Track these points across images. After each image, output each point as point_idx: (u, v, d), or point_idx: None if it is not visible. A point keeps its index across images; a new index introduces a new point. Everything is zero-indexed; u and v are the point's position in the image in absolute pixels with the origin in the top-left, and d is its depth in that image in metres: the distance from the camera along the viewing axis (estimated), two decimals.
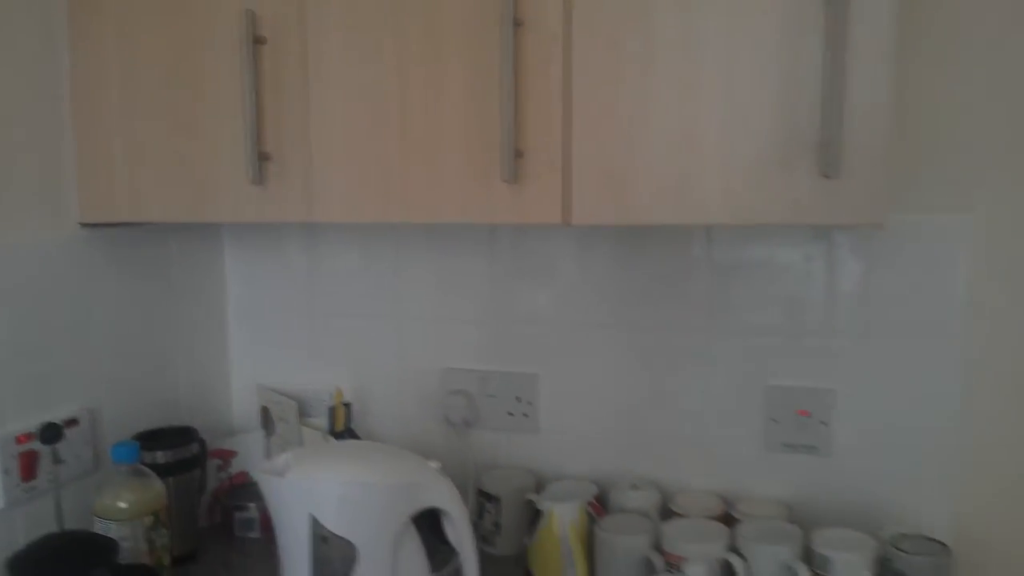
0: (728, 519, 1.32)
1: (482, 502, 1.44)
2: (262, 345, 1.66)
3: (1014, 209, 1.24)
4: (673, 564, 1.19)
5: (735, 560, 1.19)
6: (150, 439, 1.38)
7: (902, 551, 1.16)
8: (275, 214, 1.20)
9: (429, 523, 1.11)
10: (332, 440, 1.46)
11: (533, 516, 1.34)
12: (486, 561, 1.38)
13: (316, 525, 1.02)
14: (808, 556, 1.20)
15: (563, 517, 1.27)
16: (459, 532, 1.10)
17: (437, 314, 1.54)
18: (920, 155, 1.27)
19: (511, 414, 1.51)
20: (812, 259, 1.33)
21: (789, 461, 1.38)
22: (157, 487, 1.25)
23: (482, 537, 1.44)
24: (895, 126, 1.24)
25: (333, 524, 1.02)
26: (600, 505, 1.41)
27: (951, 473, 1.30)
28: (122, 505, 1.21)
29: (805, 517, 1.36)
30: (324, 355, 1.61)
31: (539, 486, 1.46)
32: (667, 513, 1.36)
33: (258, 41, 1.16)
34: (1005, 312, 1.26)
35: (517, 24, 1.04)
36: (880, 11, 0.94)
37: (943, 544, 1.18)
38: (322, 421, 1.51)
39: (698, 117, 1.01)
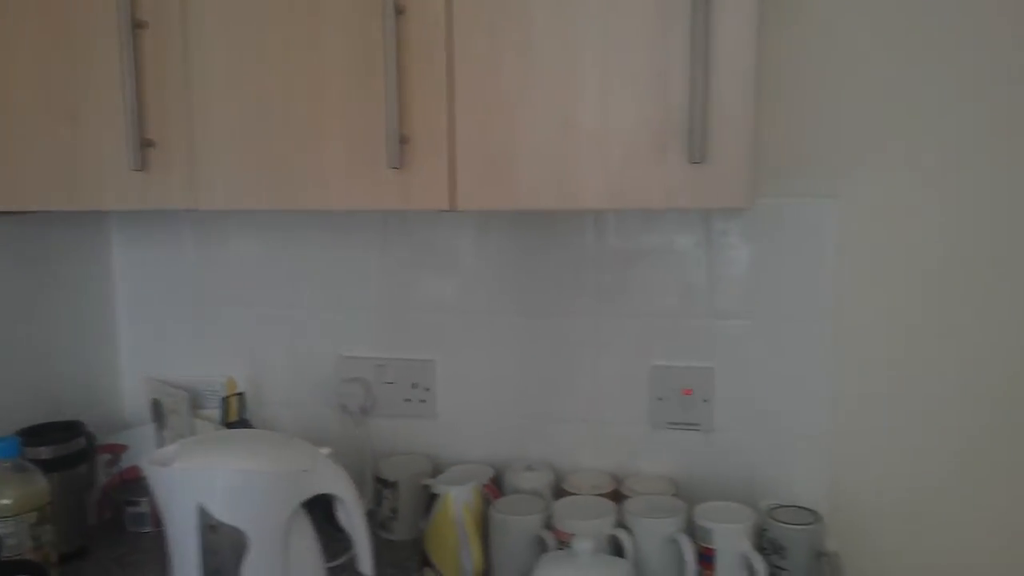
0: (618, 496, 1.37)
1: (379, 488, 1.45)
2: (153, 336, 1.63)
3: (874, 195, 1.32)
4: (564, 541, 1.23)
5: (622, 535, 1.23)
6: (33, 434, 1.34)
7: (778, 521, 1.22)
8: (158, 201, 1.18)
9: (327, 511, 1.11)
10: (224, 430, 1.44)
11: (429, 501, 1.35)
12: (384, 547, 1.41)
13: (204, 515, 1.01)
14: (691, 528, 1.25)
15: (458, 500, 1.29)
16: (352, 518, 1.11)
17: (332, 302, 1.54)
18: (791, 144, 1.33)
19: (408, 401, 1.52)
20: (695, 245, 1.39)
21: (675, 438, 1.43)
22: (40, 483, 1.22)
23: (380, 523, 1.45)
24: (768, 116, 1.32)
25: (221, 513, 1.01)
26: (496, 487, 1.43)
27: (824, 447, 1.38)
28: (4, 502, 1.18)
29: (690, 491, 1.41)
30: (217, 345, 1.59)
31: (437, 471, 1.48)
32: (560, 492, 1.39)
33: (138, 25, 1.13)
34: (867, 293, 1.34)
35: (399, 11, 1.05)
36: (743, 2, 0.98)
37: (816, 513, 1.24)
38: (216, 412, 1.49)
39: (576, 104, 1.04)
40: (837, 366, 1.36)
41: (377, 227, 1.50)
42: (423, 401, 1.52)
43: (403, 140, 1.08)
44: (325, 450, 1.09)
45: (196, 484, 1.02)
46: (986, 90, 1.26)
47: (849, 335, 1.35)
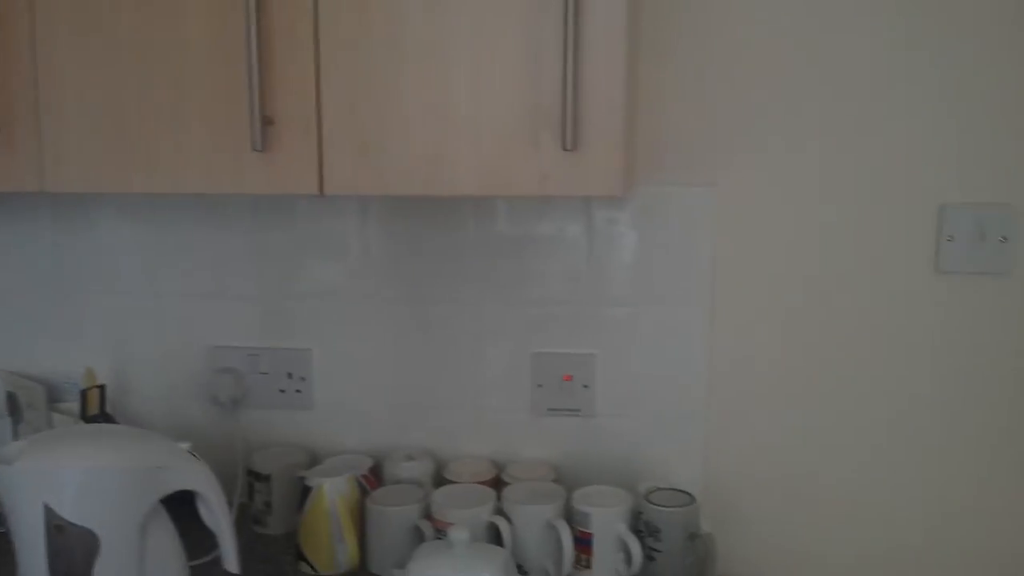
0: (499, 483, 1.36)
1: (252, 482, 1.40)
2: (8, 326, 1.52)
3: (752, 182, 1.34)
4: (442, 531, 1.21)
5: (500, 522, 1.22)
6: None
7: (653, 504, 1.23)
8: (5, 183, 1.10)
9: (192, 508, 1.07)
10: (82, 424, 1.36)
11: (303, 493, 1.31)
12: (258, 541, 1.37)
13: (50, 514, 0.95)
14: (570, 513, 1.25)
15: (332, 492, 1.26)
16: (215, 514, 1.06)
17: (202, 290, 1.47)
18: (670, 132, 1.34)
19: (283, 391, 1.47)
20: (577, 233, 1.38)
21: (555, 424, 1.43)
22: None
23: (253, 518, 1.40)
24: (648, 103, 1.32)
25: (70, 513, 0.95)
26: (375, 478, 1.40)
27: (700, 430, 1.40)
28: None
29: (572, 476, 1.41)
30: (79, 335, 1.50)
31: (314, 463, 1.43)
32: (442, 481, 1.37)
33: None
34: (745, 279, 1.37)
35: None
36: None
37: (690, 495, 1.26)
38: (75, 406, 1.41)
39: (448, 88, 1.02)
40: (714, 351, 1.39)
41: (249, 212, 1.44)
42: (299, 391, 1.47)
43: (267, 122, 1.03)
44: (184, 445, 1.04)
45: (41, 483, 0.95)
46: (864, 80, 1.30)
47: (727, 320, 1.38)
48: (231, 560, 1.08)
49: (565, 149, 0.99)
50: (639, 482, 1.34)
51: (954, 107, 1.28)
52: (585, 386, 1.41)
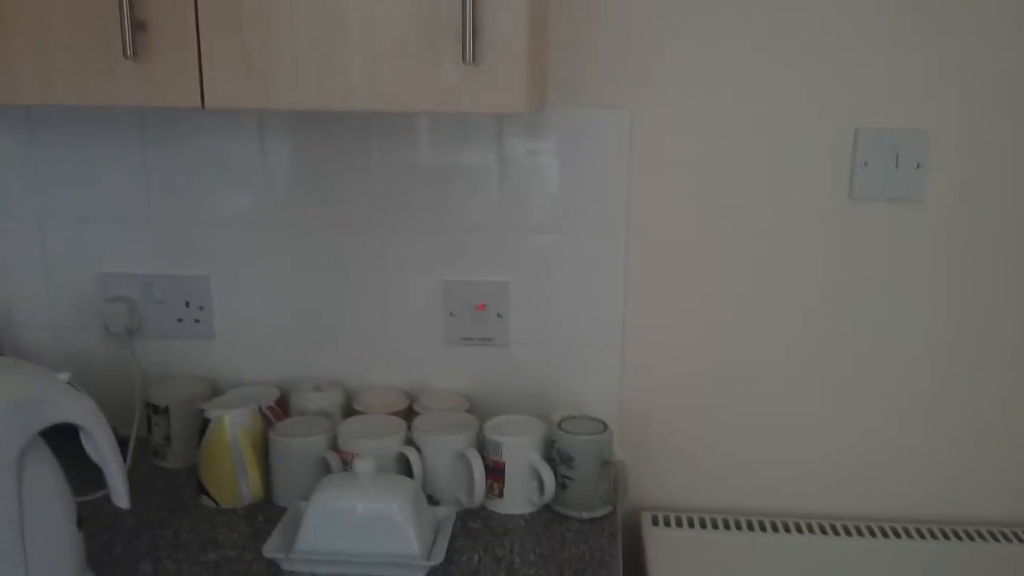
0: (411, 414, 1.32)
1: (150, 415, 1.33)
2: None
3: (666, 107, 1.30)
4: (349, 462, 1.17)
5: (410, 452, 1.19)
6: None
7: (566, 432, 1.21)
8: None
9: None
10: None
11: (203, 426, 1.25)
12: (158, 475, 1.31)
13: None
14: (482, 443, 1.22)
15: (233, 424, 1.20)
16: (100, 448, 0.99)
17: (89, 212, 1.37)
18: (583, 53, 1.28)
19: (181, 320, 1.40)
20: (488, 157, 1.32)
21: (469, 354, 1.39)
22: None
23: (153, 451, 1.34)
24: (561, 23, 1.26)
25: None
26: (281, 409, 1.35)
27: (615, 358, 1.38)
28: None
29: (486, 407, 1.38)
30: None
31: (216, 395, 1.37)
32: (351, 412, 1.33)
33: None
34: (659, 205, 1.33)
35: None
36: None
37: (603, 423, 1.24)
38: None
39: None
40: (630, 279, 1.36)
41: (138, 128, 1.34)
42: (197, 321, 1.40)
43: (139, 26, 0.94)
44: (64, 375, 0.96)
45: None
46: (781, 4, 1.25)
47: (642, 248, 1.35)
48: (120, 495, 1.01)
49: (465, 62, 0.93)
50: (555, 411, 1.31)
51: (871, 30, 1.25)
52: (499, 315, 1.37)
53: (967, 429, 1.38)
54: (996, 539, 1.33)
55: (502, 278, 1.37)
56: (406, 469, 1.19)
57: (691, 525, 1.36)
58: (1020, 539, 1.33)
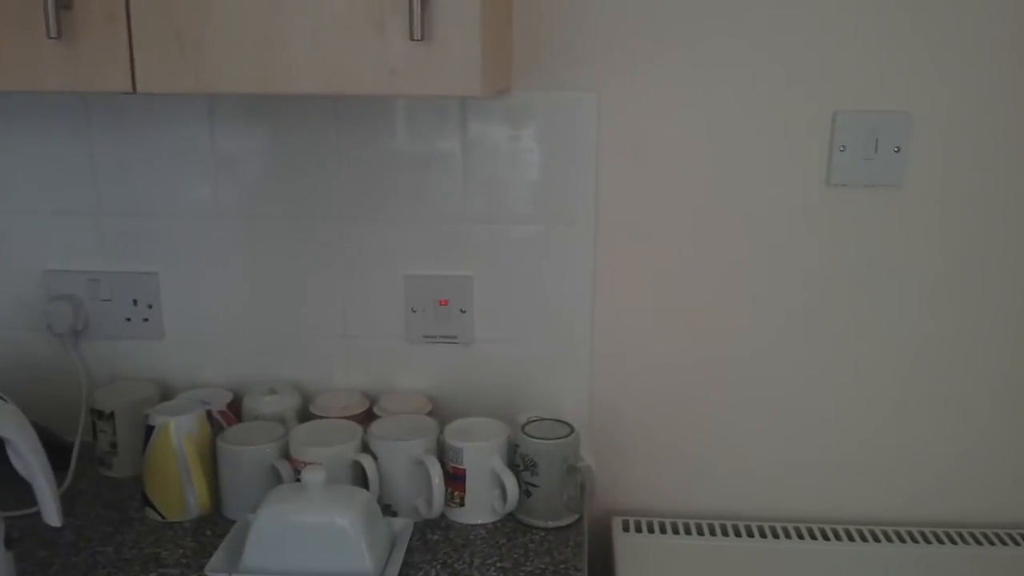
0: (371, 417, 1.26)
1: (95, 421, 1.26)
2: None
3: (633, 90, 1.23)
4: (301, 471, 1.10)
5: (365, 460, 1.13)
6: None
7: (529, 436, 1.15)
8: None
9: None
10: None
11: (148, 433, 1.19)
12: (104, 485, 1.25)
13: None
14: (442, 448, 1.16)
15: (178, 431, 1.13)
16: (27, 462, 0.93)
17: (31, 205, 1.30)
18: (548, 33, 1.22)
19: (129, 319, 1.33)
20: (450, 145, 1.26)
21: (432, 352, 1.33)
22: None
23: (99, 459, 1.27)
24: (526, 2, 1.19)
25: None
26: (233, 414, 1.29)
27: (584, 356, 1.32)
28: None
29: (450, 408, 1.32)
30: None
31: (167, 398, 1.31)
32: (308, 416, 1.26)
33: None
34: (629, 194, 1.27)
35: None
36: None
37: (570, 426, 1.18)
38: None
39: None
40: (600, 272, 1.30)
41: (81, 115, 1.26)
42: (146, 320, 1.33)
43: (64, 5, 0.87)
44: None
45: None
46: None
47: (613, 239, 1.29)
48: (50, 513, 0.95)
49: (414, 39, 0.86)
50: (523, 412, 1.25)
51: (850, 7, 1.19)
52: (462, 311, 1.31)
53: (954, 425, 1.32)
54: (979, 542, 1.28)
55: (465, 272, 1.30)
56: (362, 478, 1.13)
57: (663, 531, 1.30)
58: (1003, 541, 1.29)
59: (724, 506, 1.37)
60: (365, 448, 1.15)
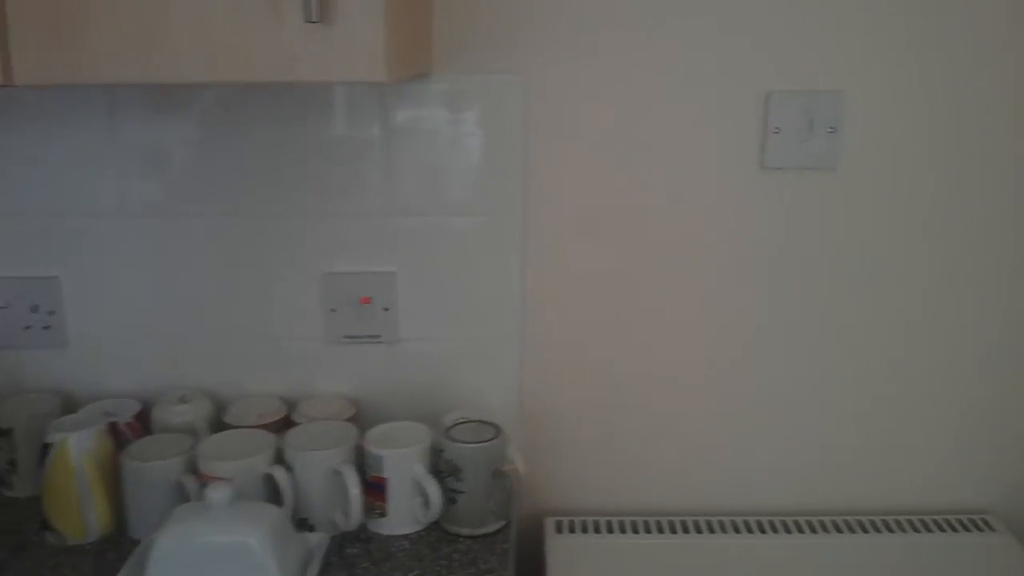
0: (289, 424, 1.19)
1: None
2: None
3: (560, 73, 1.18)
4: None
5: (278, 473, 1.06)
6: None
7: (453, 440, 1.09)
8: None
9: None
10: None
11: (46, 451, 1.11)
12: (3, 506, 1.16)
13: None
14: (361, 457, 1.10)
15: (77, 447, 1.06)
16: None
17: None
18: (472, 16, 1.16)
19: (28, 327, 1.25)
20: (370, 132, 1.19)
21: (354, 353, 1.27)
22: None
23: None
24: None
25: None
26: (141, 425, 1.21)
27: (515, 354, 1.27)
28: None
29: (374, 411, 1.26)
30: None
31: (70, 411, 1.22)
32: (222, 426, 1.19)
33: None
34: (558, 183, 1.22)
35: None
36: None
37: (497, 427, 1.13)
38: None
39: None
40: (530, 265, 1.24)
41: None
42: (47, 328, 1.25)
43: None
44: None
45: None
46: None
47: (542, 230, 1.23)
48: None
49: (311, 20, 0.80)
50: (449, 413, 1.20)
51: None
52: (386, 309, 1.25)
53: (889, 409, 1.30)
54: (904, 530, 1.27)
55: (388, 268, 1.24)
56: (276, 492, 1.06)
57: (597, 530, 1.26)
58: (889, 528, 1.27)
59: (660, 502, 1.33)
60: (280, 459, 1.09)
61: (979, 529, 1.28)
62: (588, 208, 1.23)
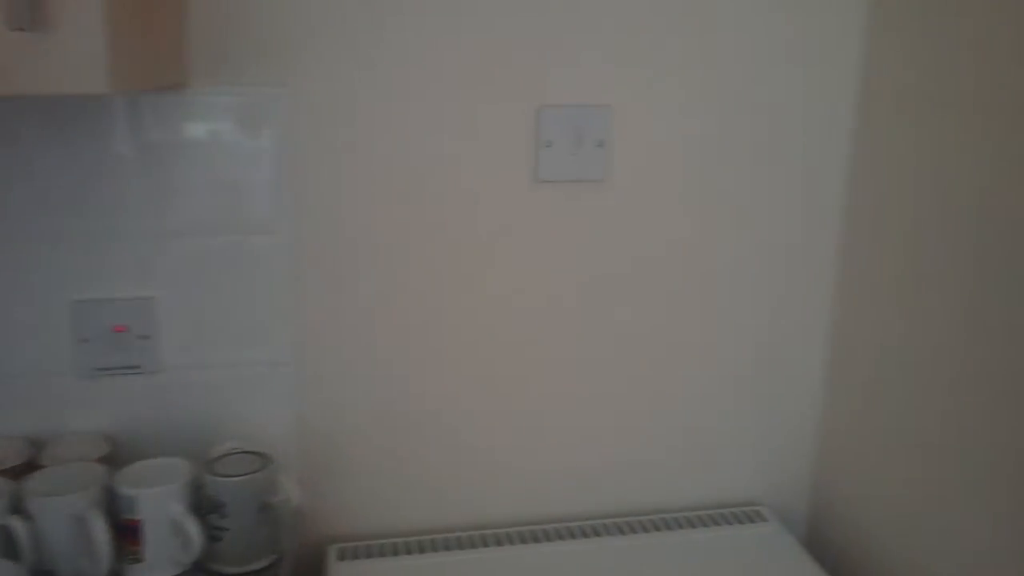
0: (34, 468, 1.08)
1: None
2: None
3: (330, 85, 1.14)
4: None
5: (14, 523, 0.96)
6: None
7: (214, 474, 1.03)
8: None
9: None
10: None
11: None
12: None
13: None
14: (114, 499, 1.01)
15: None
16: None
17: None
18: (232, 24, 1.10)
19: None
20: (122, 147, 1.10)
21: (109, 386, 1.17)
22: None
23: None
24: None
25: None
26: None
27: (288, 380, 1.21)
28: None
29: (135, 448, 1.17)
30: None
31: None
32: None
33: None
34: (331, 201, 1.18)
35: None
36: None
37: (264, 457, 1.07)
38: None
39: None
40: (304, 286, 1.19)
41: None
42: None
43: None
44: None
45: None
46: None
47: (316, 250, 1.19)
48: None
49: (16, 28, 0.72)
50: (219, 445, 1.13)
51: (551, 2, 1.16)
52: (144, 337, 1.16)
53: (661, 415, 1.34)
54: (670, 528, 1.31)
55: (147, 293, 1.16)
56: (13, 545, 0.96)
57: (382, 554, 1.23)
58: (668, 526, 1.32)
59: (450, 519, 1.31)
60: (17, 509, 0.98)
61: (752, 521, 1.34)
62: (363, 223, 1.19)
